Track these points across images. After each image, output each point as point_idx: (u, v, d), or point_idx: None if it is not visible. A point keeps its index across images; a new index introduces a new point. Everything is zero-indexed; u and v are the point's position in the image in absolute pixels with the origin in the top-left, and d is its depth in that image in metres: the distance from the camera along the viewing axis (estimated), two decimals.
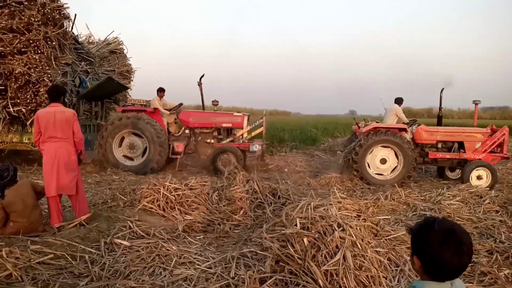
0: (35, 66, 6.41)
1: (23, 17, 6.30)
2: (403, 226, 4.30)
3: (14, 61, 6.39)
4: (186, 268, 3.29)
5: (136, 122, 7.43)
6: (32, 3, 6.35)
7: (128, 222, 4.07)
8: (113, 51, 9.47)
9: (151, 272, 3.20)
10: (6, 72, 6.37)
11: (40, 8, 6.34)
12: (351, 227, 3.12)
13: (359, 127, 7.61)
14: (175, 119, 8.51)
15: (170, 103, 8.75)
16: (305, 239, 3.01)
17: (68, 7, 6.72)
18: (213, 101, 8.42)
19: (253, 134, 8.25)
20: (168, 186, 4.83)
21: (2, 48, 6.34)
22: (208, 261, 3.39)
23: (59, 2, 6.59)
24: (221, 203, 4.91)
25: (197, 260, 3.44)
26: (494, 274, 3.17)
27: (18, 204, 3.54)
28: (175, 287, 2.93)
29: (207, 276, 3.12)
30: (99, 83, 8.08)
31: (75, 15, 7.04)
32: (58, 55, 6.76)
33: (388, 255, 3.20)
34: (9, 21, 6.31)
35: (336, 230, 3.01)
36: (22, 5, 6.30)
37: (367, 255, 2.91)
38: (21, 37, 6.36)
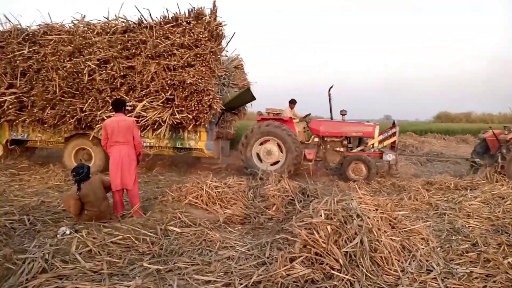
0: (201, 77, 7.06)
1: (192, 34, 7.02)
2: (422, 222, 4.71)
3: (185, 73, 7.09)
4: (228, 250, 3.92)
5: (275, 130, 7.90)
6: (199, 21, 7.09)
7: (178, 213, 4.75)
8: (236, 67, 10.07)
9: (200, 252, 3.85)
10: (176, 83, 7.12)
11: (206, 26, 7.06)
12: (368, 217, 3.64)
13: (494, 134, 8.21)
14: (304, 127, 8.95)
15: (297, 113, 9.39)
16: (328, 227, 3.56)
17: (226, 25, 7.38)
18: (341, 111, 8.64)
19: (384, 143, 8.36)
20: (209, 184, 5.52)
21: (175, 62, 7.09)
22: (246, 246, 4.00)
23: (219, 21, 7.24)
24: (256, 199, 5.54)
25: (237, 245, 4.06)
26: (498, 261, 3.57)
27: (91, 195, 4.34)
28: (220, 264, 3.55)
29: (246, 256, 3.73)
30: (239, 94, 8.65)
31: (234, 32, 7.74)
32: (218, 67, 7.47)
33: (402, 243, 3.69)
34: (181, 38, 7.05)
35: (355, 219, 3.54)
36: (191, 24, 7.03)
37: (381, 241, 3.42)
38: (190, 52, 7.08)
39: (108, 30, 7.33)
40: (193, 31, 6.98)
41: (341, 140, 8.38)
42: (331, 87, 8.79)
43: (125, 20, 7.39)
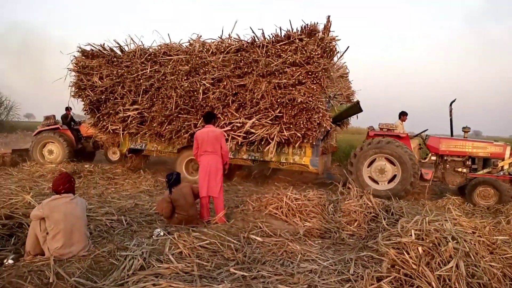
0: (311, 95, 6.92)
1: (304, 52, 6.88)
2: None
3: (295, 91, 7.03)
4: (309, 263, 3.90)
5: (392, 147, 7.52)
6: (312, 38, 6.95)
7: (259, 223, 4.87)
8: (341, 76, 9.79)
9: (281, 263, 3.89)
10: (285, 101, 7.09)
11: (319, 42, 6.89)
12: (465, 240, 3.38)
13: None
14: (419, 144, 8.36)
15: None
16: (419, 248, 3.38)
17: (339, 39, 7.21)
18: (463, 128, 8.01)
19: None
20: (290, 196, 5.57)
21: (285, 80, 7.05)
22: (328, 260, 3.95)
23: (332, 36, 7.13)
24: (336, 214, 5.44)
25: (319, 259, 4.02)
26: None
27: (181, 200, 4.67)
28: (303, 276, 3.55)
29: (329, 271, 3.67)
30: (348, 107, 8.49)
31: (348, 47, 7.50)
32: (329, 84, 7.55)
33: (503, 270, 3.35)
34: (293, 56, 6.95)
35: (450, 242, 3.31)
36: (304, 41, 6.91)
37: (480, 266, 3.15)
38: (302, 70, 6.97)
39: (223, 50, 7.52)
40: (305, 48, 6.85)
41: (464, 160, 7.74)
42: (453, 101, 8.20)
43: (238, 40, 7.58)
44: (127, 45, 8.62)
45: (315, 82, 6.94)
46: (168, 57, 7.97)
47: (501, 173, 7.42)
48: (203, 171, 4.97)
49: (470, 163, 7.72)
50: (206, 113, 5.34)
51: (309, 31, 6.98)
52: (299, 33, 7.05)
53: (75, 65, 8.88)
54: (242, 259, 3.87)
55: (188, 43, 8.00)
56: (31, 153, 10.51)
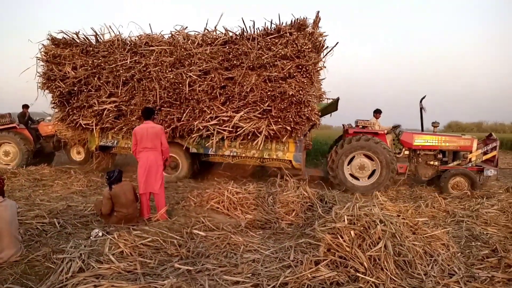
0: (301, 88, 6.89)
1: (295, 45, 6.85)
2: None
3: (285, 84, 6.95)
4: (252, 253, 4.03)
5: (372, 145, 7.71)
6: (301, 32, 6.95)
7: (201, 218, 4.90)
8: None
9: (225, 255, 3.98)
10: (274, 94, 6.99)
11: (309, 37, 6.94)
12: (391, 223, 3.74)
13: None
14: (393, 140, 8.69)
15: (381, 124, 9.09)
16: (352, 232, 3.67)
17: (327, 35, 7.25)
18: (433, 123, 8.44)
19: (484, 158, 8.12)
20: (230, 190, 5.67)
21: (276, 73, 6.96)
22: (270, 249, 4.12)
23: (320, 31, 7.14)
24: (276, 205, 5.65)
25: (261, 248, 4.17)
26: None
27: (121, 197, 4.54)
28: (246, 266, 3.67)
29: (270, 259, 3.83)
30: (329, 104, 8.54)
31: (337, 42, 7.43)
32: (318, 78, 7.47)
33: (424, 248, 3.78)
34: (284, 49, 6.89)
35: (378, 225, 3.64)
36: (294, 35, 6.88)
37: (405, 245, 3.52)
38: (292, 63, 6.93)
39: (209, 42, 7.36)
40: (296, 42, 6.85)
41: (435, 154, 8.20)
42: (423, 97, 8.65)
43: (226, 32, 7.39)
44: (102, 34, 8.09)
45: (305, 76, 6.95)
46: (150, 48, 7.60)
47: (469, 165, 7.99)
48: (142, 167, 4.86)
49: (441, 156, 8.18)
50: (145, 108, 5.22)
51: (299, 25, 7.02)
52: (289, 27, 7.04)
53: (44, 54, 8.16)
54: (186, 254, 3.89)
55: (171, 34, 7.70)
56: None
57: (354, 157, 7.93)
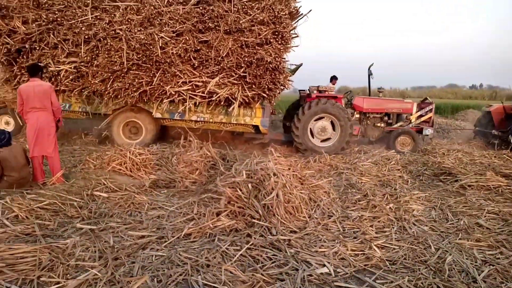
0: (277, 55, 6.79)
1: (271, 11, 6.70)
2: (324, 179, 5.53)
3: (261, 50, 6.78)
4: (157, 210, 4.21)
5: (332, 108, 7.99)
6: None
7: (102, 179, 4.83)
8: None
9: (130, 214, 4.09)
10: (250, 60, 6.82)
11: (285, 2, 6.84)
12: (283, 175, 4.24)
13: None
14: (345, 104, 8.99)
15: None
16: (249, 185, 4.07)
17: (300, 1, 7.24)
18: (378, 88, 9.16)
19: (422, 119, 8.95)
20: (133, 151, 5.64)
21: (253, 39, 6.74)
22: (174, 206, 4.34)
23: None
24: (180, 165, 5.82)
25: (165, 205, 4.37)
26: (382, 207, 4.48)
27: (11, 160, 4.24)
28: (151, 222, 3.85)
29: (175, 214, 4.07)
30: (295, 69, 8.40)
31: (310, 10, 7.37)
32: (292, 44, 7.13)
33: (309, 195, 4.39)
34: (261, 14, 6.70)
35: (272, 177, 4.10)
36: (271, 1, 6.73)
37: (293, 193, 4.05)
38: (269, 29, 6.78)
39: (181, 0, 6.90)
40: (273, 7, 6.76)
41: (382, 116, 8.96)
42: (371, 65, 9.17)
43: None
44: None
45: (281, 42, 6.90)
46: (113, 4, 6.84)
47: (410, 125, 8.97)
48: (32, 129, 4.53)
49: (386, 118, 9.00)
50: (31, 65, 4.78)
51: None
52: None
53: None
54: (87, 215, 3.90)
55: None
56: None
57: (317, 120, 8.30)
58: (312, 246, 3.37)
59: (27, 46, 7.06)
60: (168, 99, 7.23)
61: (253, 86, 7.11)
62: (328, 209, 4.31)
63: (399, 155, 7.42)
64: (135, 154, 5.60)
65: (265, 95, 7.16)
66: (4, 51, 7.12)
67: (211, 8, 6.88)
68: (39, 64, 4.93)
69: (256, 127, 7.88)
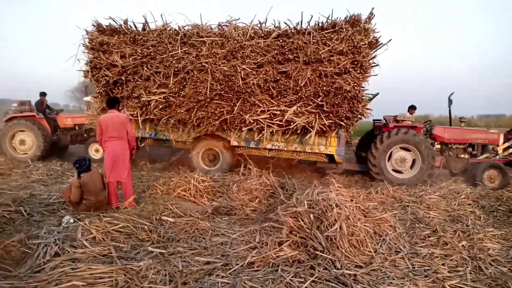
0: (356, 84, 6.83)
1: (351, 41, 6.81)
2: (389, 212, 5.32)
3: (340, 79, 6.85)
4: (220, 237, 4.33)
5: (413, 138, 7.81)
6: (357, 28, 6.92)
7: (168, 205, 5.09)
8: None
9: (194, 239, 4.24)
10: (327, 89, 6.91)
11: (364, 32, 6.89)
12: (346, 207, 4.17)
13: None
14: (424, 134, 8.74)
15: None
16: (311, 215, 4.06)
17: (379, 32, 7.17)
18: (460, 118, 8.85)
19: (510, 151, 8.36)
20: (196, 178, 5.89)
21: (332, 68, 6.87)
22: (236, 233, 4.43)
23: (374, 28, 7.06)
24: (240, 193, 5.95)
25: (227, 233, 4.47)
26: (454, 244, 4.21)
27: (90, 185, 4.63)
28: (215, 248, 3.96)
29: (237, 242, 4.15)
30: (371, 98, 8.28)
31: (390, 39, 7.27)
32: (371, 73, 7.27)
33: (374, 229, 4.26)
34: (340, 44, 6.83)
35: (334, 208, 4.05)
36: (350, 31, 6.85)
37: (357, 226, 3.96)
38: (348, 59, 6.86)
39: (262, 35, 7.22)
40: (352, 37, 6.82)
41: (465, 147, 8.52)
42: (452, 93, 8.94)
43: (279, 25, 7.26)
44: (147, 23, 7.69)
45: (360, 71, 6.91)
46: (201, 39, 7.31)
47: (497, 157, 8.32)
48: (109, 156, 4.95)
49: (470, 149, 8.49)
50: (110, 98, 5.27)
51: (353, 21, 7.00)
52: (344, 22, 7.00)
53: (89, 41, 7.68)
54: (157, 239, 4.10)
55: (220, 26, 7.44)
56: (0, 141, 8.83)
57: (392, 151, 8.00)
58: (380, 283, 3.25)
59: (123, 78, 7.63)
60: (247, 127, 7.37)
61: (330, 115, 7.06)
62: (395, 244, 4.13)
63: (469, 189, 6.95)
64: (198, 181, 5.84)
65: (343, 123, 7.05)
66: (103, 83, 7.71)
67: (290, 40, 7.03)
68: (117, 97, 5.41)
69: (330, 156, 7.75)
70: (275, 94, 7.19)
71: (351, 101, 6.94)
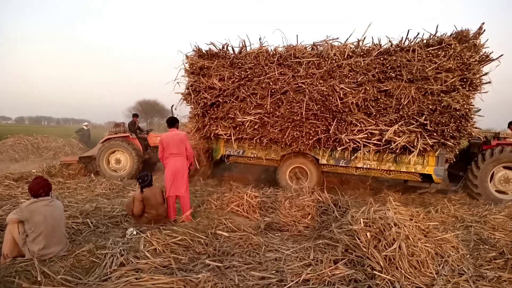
0: (464, 102, 6.60)
1: (460, 58, 6.66)
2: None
3: (446, 97, 6.65)
4: (273, 253, 4.34)
5: None
6: (465, 44, 6.76)
7: (223, 220, 5.22)
8: None
9: (249, 254, 4.29)
10: (436, 108, 6.74)
11: (474, 49, 6.72)
12: (405, 226, 4.03)
13: None
14: None
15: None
16: (368, 233, 3.96)
17: (488, 47, 6.92)
18: None
19: None
20: (249, 194, 5.99)
21: (439, 86, 6.71)
22: (290, 249, 4.42)
23: (483, 43, 6.87)
24: (292, 209, 5.95)
25: (281, 248, 4.48)
26: None
27: (152, 199, 4.89)
28: (270, 263, 3.98)
29: (291, 258, 4.13)
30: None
31: (501, 54, 6.90)
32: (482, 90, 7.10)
33: (435, 249, 4.05)
34: (448, 61, 6.69)
35: (393, 227, 3.93)
36: (458, 47, 6.67)
37: (417, 246, 3.80)
38: (456, 76, 6.68)
39: (361, 53, 7.23)
40: (461, 54, 6.65)
41: None
42: None
43: (379, 43, 7.23)
44: (245, 46, 8.02)
45: (469, 89, 6.69)
46: (297, 60, 7.41)
47: None
48: (169, 172, 5.22)
49: None
50: (170, 118, 5.59)
51: (461, 37, 6.85)
52: (451, 38, 6.85)
53: (190, 65, 8.16)
54: (212, 252, 4.21)
55: (315, 46, 7.58)
56: (98, 161, 9.73)
57: (495, 171, 7.68)
58: None
59: (220, 100, 7.90)
60: (341, 147, 7.26)
61: (434, 134, 6.80)
62: (458, 266, 3.90)
63: None
64: (251, 196, 5.93)
65: (449, 143, 6.77)
66: (201, 105, 8.00)
67: (393, 58, 6.93)
68: (176, 117, 5.71)
69: (425, 176, 7.49)
70: (374, 113, 7.02)
71: (458, 120, 6.64)
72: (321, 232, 5.03)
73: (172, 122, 5.45)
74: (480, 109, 7.66)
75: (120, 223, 5.23)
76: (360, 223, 4.14)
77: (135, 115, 10.85)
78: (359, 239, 3.96)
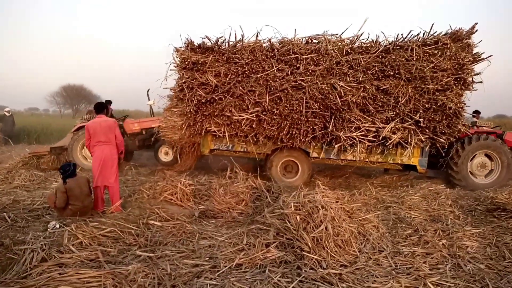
0: (457, 100, 6.79)
1: (455, 58, 6.76)
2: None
3: (441, 96, 6.79)
4: (207, 240, 4.36)
5: (494, 144, 7.92)
6: (460, 44, 6.85)
7: (155, 209, 5.10)
8: None
9: (182, 243, 4.26)
10: (431, 106, 6.83)
11: (467, 49, 6.85)
12: (331, 208, 4.28)
13: None
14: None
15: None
16: (297, 217, 4.14)
17: (479, 47, 7.05)
18: None
19: None
20: (183, 182, 5.90)
21: (435, 85, 6.78)
22: (223, 236, 4.47)
23: (474, 42, 7.01)
24: (227, 196, 5.99)
25: (215, 235, 4.51)
26: (435, 243, 4.36)
27: (76, 190, 4.61)
28: (203, 251, 3.99)
29: (225, 244, 4.19)
30: None
31: (491, 55, 7.06)
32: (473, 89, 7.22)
33: (358, 229, 4.37)
34: (444, 61, 6.76)
35: (320, 210, 4.15)
36: (453, 48, 6.76)
37: (342, 227, 4.07)
38: (450, 75, 6.79)
39: (360, 50, 7.11)
40: (457, 54, 6.78)
41: None
42: None
43: (377, 40, 7.16)
44: (242, 39, 7.34)
45: (461, 88, 6.87)
46: (297, 57, 7.08)
47: None
48: (97, 161, 4.95)
49: None
50: (97, 103, 5.27)
51: (455, 36, 6.95)
52: (446, 37, 6.92)
53: (181, 60, 7.35)
54: (144, 243, 4.12)
55: (310, 39, 7.25)
56: (70, 152, 8.65)
57: (475, 155, 8.09)
58: (364, 281, 3.35)
59: (215, 97, 7.31)
60: (338, 144, 7.21)
61: (426, 130, 7.00)
62: (378, 243, 4.26)
63: (448, 189, 7.18)
64: (185, 184, 5.86)
65: (442, 140, 7.04)
66: (195, 102, 7.32)
67: (391, 56, 6.95)
68: (104, 102, 5.41)
69: (406, 166, 7.88)
70: (372, 111, 7.05)
71: (449, 117, 6.92)
72: (254, 218, 5.14)
73: (100, 108, 5.14)
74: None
75: (42, 217, 4.87)
76: (291, 207, 4.31)
77: (108, 102, 9.89)
78: (289, 222, 4.12)
